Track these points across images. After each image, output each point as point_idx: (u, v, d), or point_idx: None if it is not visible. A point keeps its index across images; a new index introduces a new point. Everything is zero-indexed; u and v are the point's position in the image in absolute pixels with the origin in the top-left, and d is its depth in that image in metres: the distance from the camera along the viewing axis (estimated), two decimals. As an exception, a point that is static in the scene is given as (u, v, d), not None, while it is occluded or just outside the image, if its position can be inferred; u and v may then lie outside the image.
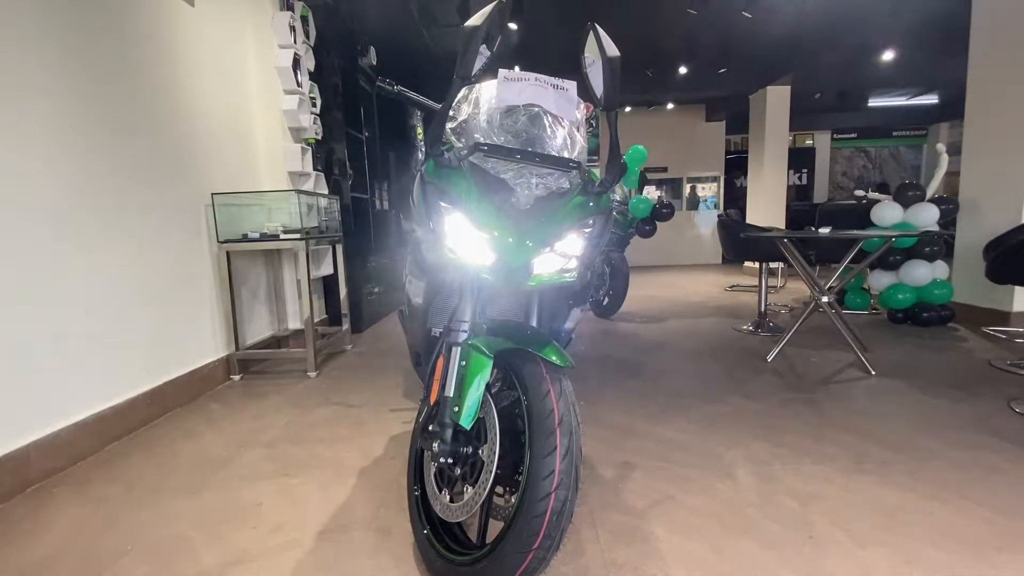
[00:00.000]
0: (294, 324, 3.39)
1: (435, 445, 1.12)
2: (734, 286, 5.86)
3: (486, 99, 1.24)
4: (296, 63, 3.19)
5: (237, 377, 2.77)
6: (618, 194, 4.30)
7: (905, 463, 1.65)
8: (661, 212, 4.08)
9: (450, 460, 1.11)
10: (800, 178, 10.26)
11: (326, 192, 3.58)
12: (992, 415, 2.00)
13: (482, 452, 1.09)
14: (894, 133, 10.58)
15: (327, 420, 2.17)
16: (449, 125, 1.29)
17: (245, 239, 2.72)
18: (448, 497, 1.15)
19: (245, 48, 3.12)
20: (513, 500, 1.03)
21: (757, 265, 3.47)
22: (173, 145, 2.44)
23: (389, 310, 4.67)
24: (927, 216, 3.42)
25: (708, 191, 9.31)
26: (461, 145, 1.21)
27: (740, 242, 3.36)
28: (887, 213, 3.54)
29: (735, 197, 9.37)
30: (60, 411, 1.80)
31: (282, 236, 2.73)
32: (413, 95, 1.40)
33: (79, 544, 1.36)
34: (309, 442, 1.95)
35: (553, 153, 1.16)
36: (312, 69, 3.48)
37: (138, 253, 2.19)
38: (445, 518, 1.14)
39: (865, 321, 3.79)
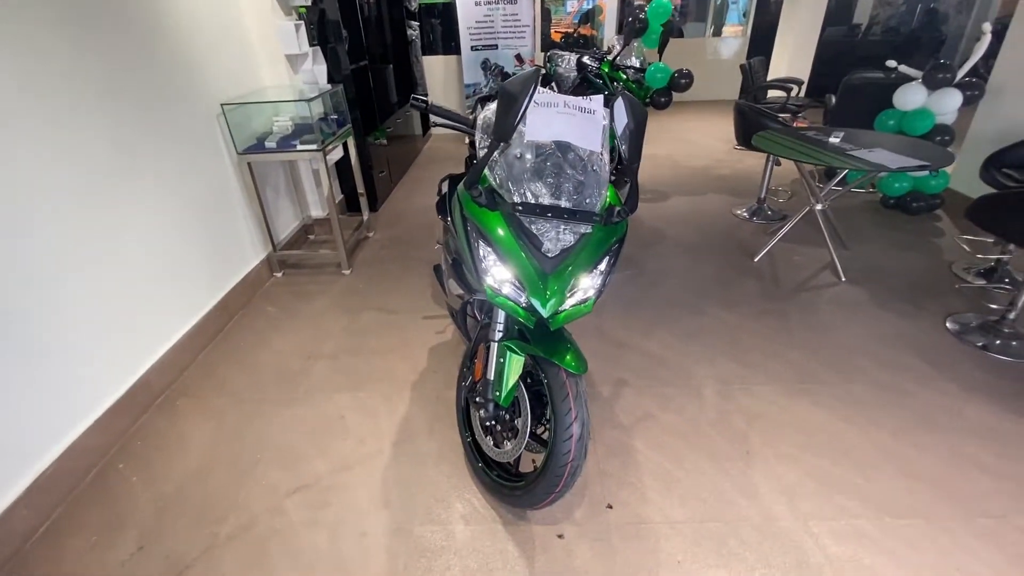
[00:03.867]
0: (316, 212, 3.59)
1: (481, 412, 1.55)
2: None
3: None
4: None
5: (279, 274, 3.12)
6: (634, 60, 4.02)
7: (837, 384, 2.11)
8: (679, 82, 3.88)
9: (493, 422, 1.55)
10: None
11: (325, 68, 3.40)
12: (927, 332, 2.41)
13: (517, 423, 1.52)
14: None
15: (374, 328, 2.60)
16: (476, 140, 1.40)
17: (262, 148, 2.76)
18: (492, 442, 1.63)
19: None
20: (542, 456, 1.48)
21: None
22: (172, 58, 2.33)
23: (401, 189, 4.77)
24: (949, 102, 3.33)
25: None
26: (496, 184, 1.34)
27: (752, 134, 3.34)
28: (909, 97, 3.43)
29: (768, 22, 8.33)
30: (163, 336, 2.21)
31: (299, 148, 2.77)
32: (446, 110, 1.44)
33: (220, 454, 1.88)
34: (365, 353, 2.41)
35: (582, 202, 1.31)
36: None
37: (177, 182, 2.32)
38: (492, 457, 1.63)
39: (860, 203, 3.97)
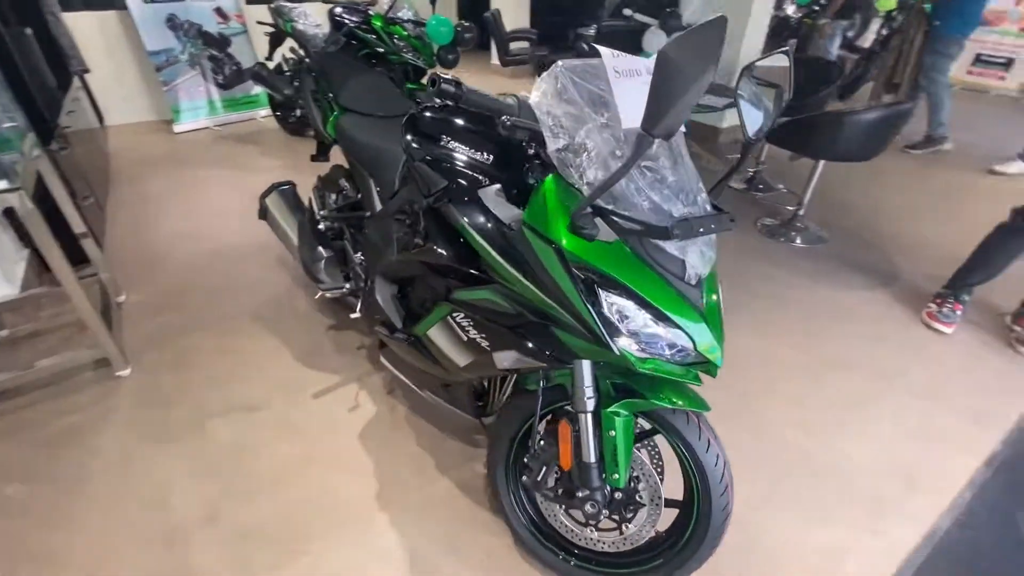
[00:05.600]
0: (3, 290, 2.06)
1: (587, 507, 1.13)
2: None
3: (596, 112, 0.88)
4: None
5: (-22, 421, 1.71)
6: (407, 11, 3.47)
7: (746, 307, 2.37)
8: (464, 36, 3.54)
9: (605, 512, 1.15)
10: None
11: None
12: (746, 233, 2.93)
13: (640, 497, 1.16)
14: None
15: (247, 449, 1.67)
16: (557, 146, 0.89)
17: None
18: (594, 532, 1.23)
19: None
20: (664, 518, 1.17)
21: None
22: None
23: (120, 215, 3.18)
24: (683, 46, 3.95)
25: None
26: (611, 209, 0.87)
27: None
28: (655, 42, 3.93)
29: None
30: None
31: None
32: (489, 98, 0.86)
33: None
34: (265, 512, 1.53)
35: (695, 200, 0.95)
36: None
37: None
38: (605, 549, 1.23)
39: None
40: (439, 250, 1.11)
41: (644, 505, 1.17)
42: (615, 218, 0.86)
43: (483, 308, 1.05)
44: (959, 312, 2.24)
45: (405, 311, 1.42)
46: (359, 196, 1.70)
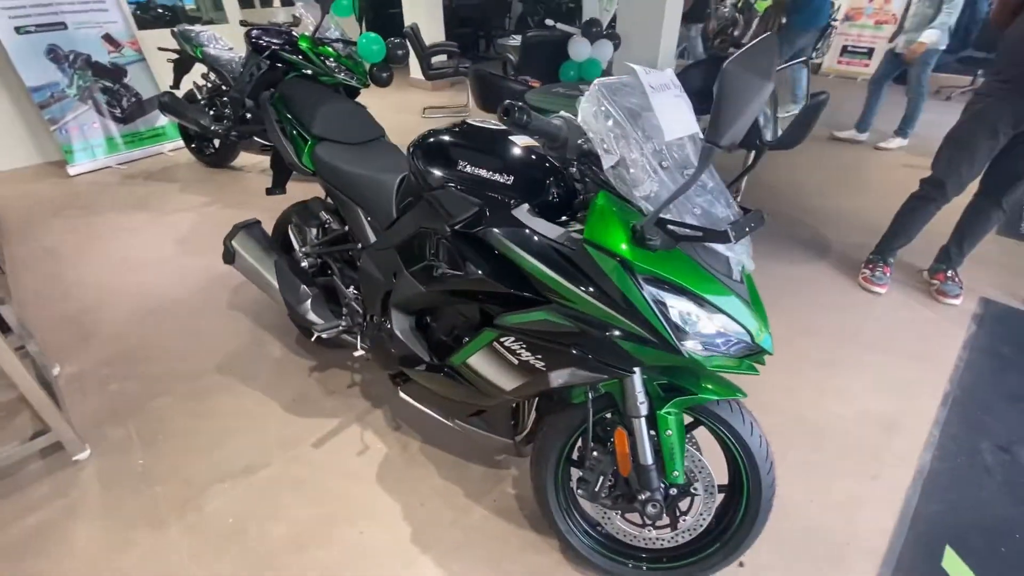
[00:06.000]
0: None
1: (649, 508, 1.16)
2: (430, 108, 5.80)
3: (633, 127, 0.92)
4: None
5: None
6: (335, 31, 3.34)
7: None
8: (396, 54, 3.47)
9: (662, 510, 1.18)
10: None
11: None
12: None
13: (695, 488, 1.20)
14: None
15: (250, 528, 1.52)
16: (611, 163, 0.91)
17: None
18: (652, 531, 1.25)
19: None
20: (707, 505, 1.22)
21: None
22: None
23: (15, 268, 2.76)
24: (606, 51, 4.15)
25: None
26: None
27: (493, 99, 3.36)
28: (580, 49, 4.10)
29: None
30: None
31: None
32: (541, 120, 0.86)
33: None
34: None
35: (730, 203, 1.01)
36: None
37: None
38: (666, 545, 1.26)
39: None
40: (487, 278, 1.08)
41: (698, 495, 1.21)
42: (672, 227, 0.90)
43: (538, 330, 1.04)
44: (888, 274, 2.55)
45: (427, 342, 1.37)
46: (346, 228, 1.61)
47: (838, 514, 1.52)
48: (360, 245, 1.56)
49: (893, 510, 1.53)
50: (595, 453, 1.18)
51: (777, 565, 1.39)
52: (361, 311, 1.61)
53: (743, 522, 1.21)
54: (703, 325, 0.94)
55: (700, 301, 0.94)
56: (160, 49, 3.83)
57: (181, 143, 4.32)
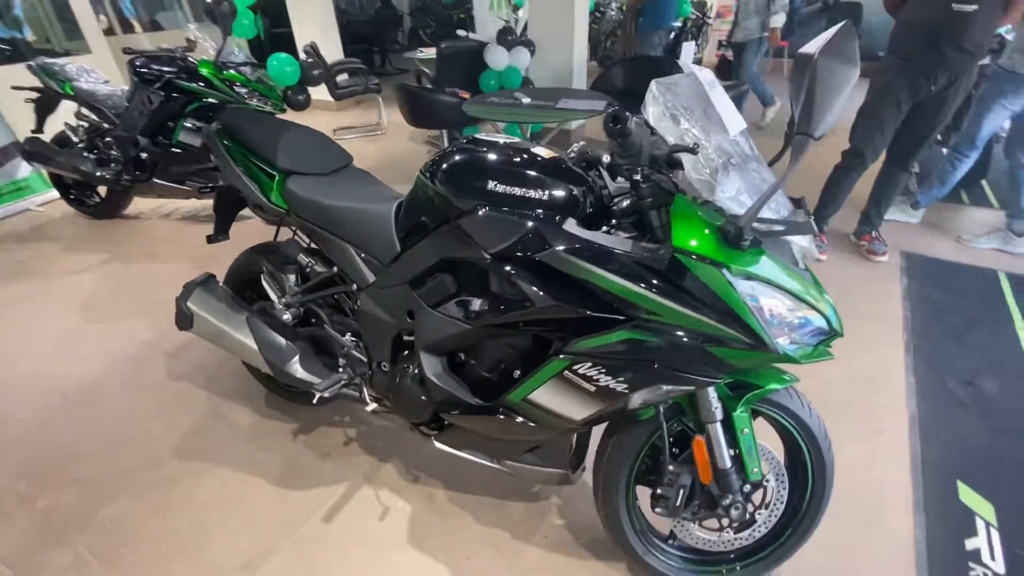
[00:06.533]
0: None
1: (733, 511, 1.14)
2: (341, 128, 5.46)
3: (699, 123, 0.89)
4: None
5: None
6: (239, 54, 3.02)
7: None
8: (311, 74, 3.22)
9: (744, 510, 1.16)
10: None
11: None
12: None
13: (767, 479, 1.19)
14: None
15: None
16: (689, 165, 0.86)
17: None
18: (730, 532, 1.23)
19: None
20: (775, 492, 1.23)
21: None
22: None
23: None
24: (523, 58, 4.17)
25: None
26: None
27: (422, 114, 3.23)
28: (497, 58, 4.07)
29: None
30: None
31: None
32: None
33: None
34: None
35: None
36: None
37: None
38: (747, 544, 1.24)
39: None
40: (560, 303, 0.99)
41: (771, 484, 1.20)
42: (757, 224, 0.87)
43: (619, 351, 0.97)
44: (824, 242, 2.79)
45: (466, 382, 1.23)
46: (335, 269, 1.43)
47: (861, 474, 1.61)
48: (355, 286, 1.38)
49: (903, 460, 1.65)
50: (670, 467, 1.13)
51: (823, 530, 1.43)
52: (365, 359, 1.43)
53: (811, 502, 1.23)
54: (790, 318, 0.93)
55: (786, 294, 0.92)
56: (15, 88, 3.22)
57: (54, 195, 3.68)
